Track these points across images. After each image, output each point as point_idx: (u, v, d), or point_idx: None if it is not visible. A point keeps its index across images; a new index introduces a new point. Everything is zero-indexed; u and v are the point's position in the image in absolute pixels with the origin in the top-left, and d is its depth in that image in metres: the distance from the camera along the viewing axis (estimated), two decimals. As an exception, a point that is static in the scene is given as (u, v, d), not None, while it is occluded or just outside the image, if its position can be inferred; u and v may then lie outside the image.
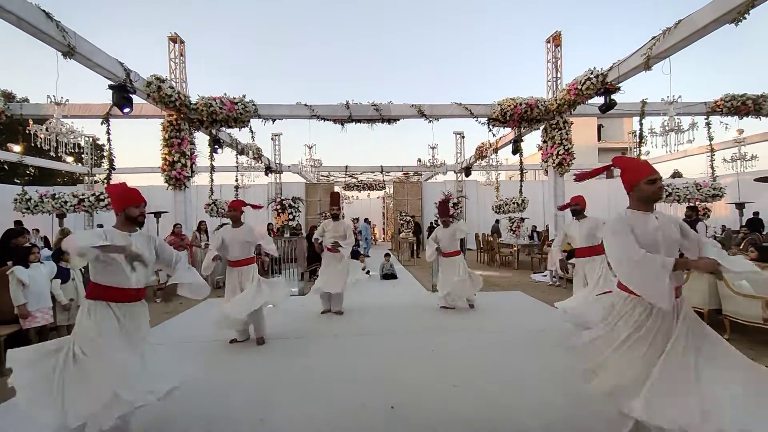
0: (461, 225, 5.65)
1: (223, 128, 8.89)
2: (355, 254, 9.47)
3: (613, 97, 6.66)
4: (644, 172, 2.07)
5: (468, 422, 2.50)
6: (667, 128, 6.20)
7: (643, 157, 10.28)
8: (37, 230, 9.87)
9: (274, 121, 8.55)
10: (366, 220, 15.53)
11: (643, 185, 2.05)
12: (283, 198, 13.48)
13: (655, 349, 1.95)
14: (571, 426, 2.42)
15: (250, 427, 2.50)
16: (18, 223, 4.75)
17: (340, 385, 3.09)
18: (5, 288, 3.80)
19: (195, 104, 7.79)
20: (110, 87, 5.94)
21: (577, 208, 4.39)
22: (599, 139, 27.16)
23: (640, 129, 8.09)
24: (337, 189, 17.75)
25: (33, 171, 19.63)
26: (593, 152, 25.95)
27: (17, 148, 14.42)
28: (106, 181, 7.78)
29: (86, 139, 12.29)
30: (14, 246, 4.34)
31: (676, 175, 26.98)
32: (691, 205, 7.62)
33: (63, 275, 4.26)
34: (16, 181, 18.04)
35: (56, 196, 8.17)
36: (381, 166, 15.58)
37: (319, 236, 5.42)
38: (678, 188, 8.25)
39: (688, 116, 7.96)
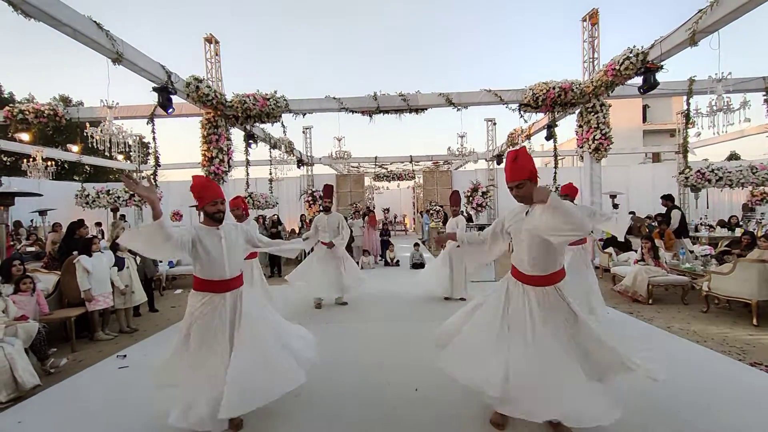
0: (461, 220, 5.74)
1: (257, 124, 9.24)
2: (385, 244, 9.65)
3: (656, 76, 6.25)
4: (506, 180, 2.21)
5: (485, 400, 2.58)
6: (714, 108, 5.75)
7: (692, 139, 9.59)
8: (99, 224, 10.74)
9: (304, 115, 8.77)
10: (428, 212, 15.48)
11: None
12: (314, 190, 13.87)
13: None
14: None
15: (286, 401, 2.70)
16: (80, 221, 5.37)
17: (368, 367, 3.26)
18: (73, 275, 4.27)
19: (230, 102, 8.15)
20: (154, 89, 6.36)
21: (567, 198, 4.28)
22: (644, 120, 25.39)
23: (687, 109, 7.55)
24: (367, 180, 17.92)
25: (89, 169, 21.31)
26: (638, 135, 24.31)
27: (75, 148, 15.73)
28: (153, 177, 8.36)
29: (134, 138, 13.22)
30: (78, 237, 4.83)
31: (733, 157, 24.79)
32: (666, 194, 7.17)
33: (119, 264, 4.72)
34: (75, 178, 19.72)
35: (110, 192, 8.95)
36: (410, 156, 15.52)
37: (312, 233, 5.19)
38: (730, 172, 7.64)
39: (743, 93, 7.32)
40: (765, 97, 8.21)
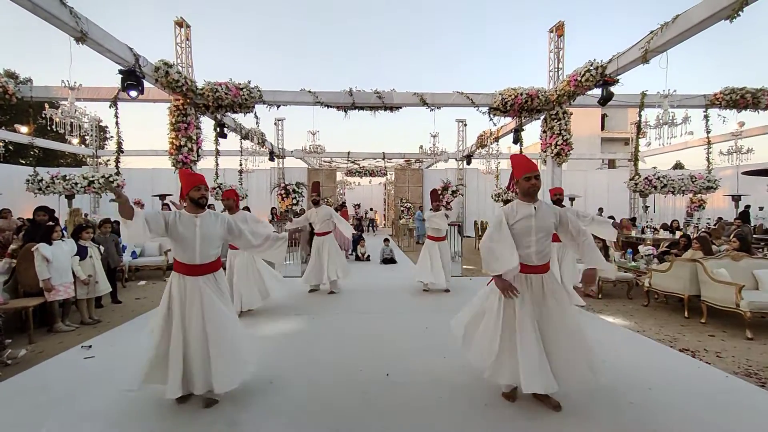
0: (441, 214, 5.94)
1: (228, 113, 9.03)
2: (357, 239, 9.76)
3: (613, 88, 6.77)
4: (524, 169, 2.40)
5: (452, 385, 2.82)
6: (661, 121, 6.35)
7: (643, 148, 10.35)
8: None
9: (278, 107, 8.67)
10: (420, 207, 15.40)
11: (521, 181, 2.40)
12: (287, 183, 13.71)
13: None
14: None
15: (261, 387, 2.79)
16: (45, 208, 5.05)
17: (341, 355, 3.40)
18: (30, 263, 4.08)
19: (201, 89, 7.91)
20: (120, 72, 6.08)
21: (560, 198, 4.74)
22: (603, 128, 27.06)
23: (639, 121, 8.22)
24: (339, 175, 17.91)
25: (38, 152, 19.77)
26: (596, 142, 25.90)
27: (24, 129, 14.54)
28: (114, 163, 7.99)
29: (91, 121, 12.40)
30: (39, 223, 4.60)
31: (678, 166, 27.01)
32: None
33: (81, 253, 4.54)
34: (21, 161, 18.24)
35: (67, 178, 8.40)
36: (383, 153, 15.68)
37: (302, 220, 6.04)
38: (673, 180, 8.41)
39: (688, 108, 8.06)
40: (704, 114, 9.10)
